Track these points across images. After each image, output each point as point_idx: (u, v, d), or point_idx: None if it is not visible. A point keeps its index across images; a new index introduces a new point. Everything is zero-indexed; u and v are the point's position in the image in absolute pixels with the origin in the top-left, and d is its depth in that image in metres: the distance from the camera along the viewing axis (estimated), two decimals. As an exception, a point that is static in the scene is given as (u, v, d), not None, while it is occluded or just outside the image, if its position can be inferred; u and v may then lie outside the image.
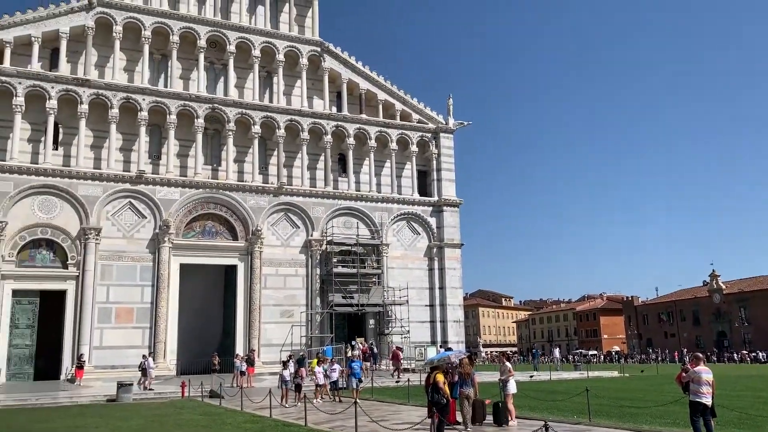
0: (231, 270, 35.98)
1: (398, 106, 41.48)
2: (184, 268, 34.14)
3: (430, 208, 41.19)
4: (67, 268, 31.38)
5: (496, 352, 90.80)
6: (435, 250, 40.65)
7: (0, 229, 29.93)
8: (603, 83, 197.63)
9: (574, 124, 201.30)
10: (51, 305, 31.29)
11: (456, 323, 40.03)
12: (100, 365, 30.60)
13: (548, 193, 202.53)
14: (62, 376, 30.25)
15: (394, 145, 40.54)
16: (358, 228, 38.44)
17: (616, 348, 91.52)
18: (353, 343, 34.28)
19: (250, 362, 28.49)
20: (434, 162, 42.08)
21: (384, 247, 38.75)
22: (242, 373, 27.24)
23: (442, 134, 42.33)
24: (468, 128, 43.93)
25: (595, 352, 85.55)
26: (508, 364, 14.88)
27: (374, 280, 38.13)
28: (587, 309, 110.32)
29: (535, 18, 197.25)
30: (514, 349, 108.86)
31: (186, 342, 33.88)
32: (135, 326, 31.97)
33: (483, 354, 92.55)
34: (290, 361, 24.04)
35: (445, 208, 41.17)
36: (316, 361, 22.74)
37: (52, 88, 32.19)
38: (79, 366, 28.14)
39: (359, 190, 39.60)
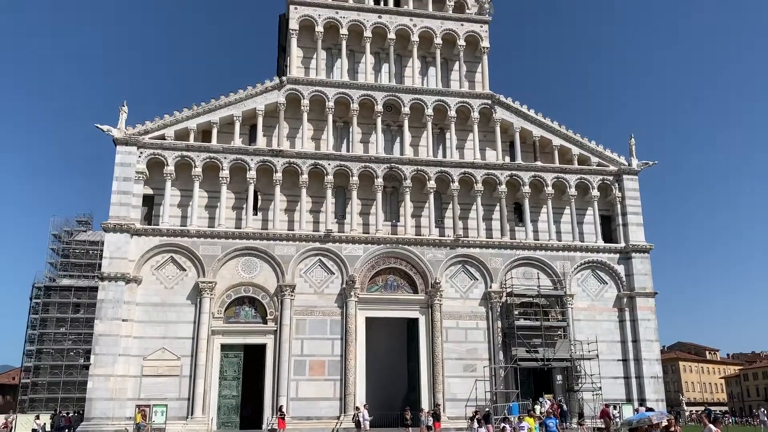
0: (413, 323, 36.62)
1: (575, 150, 40.22)
2: (369, 321, 35.46)
3: (617, 255, 38.85)
4: (266, 323, 34.09)
5: (702, 411, 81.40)
6: (625, 300, 38.06)
7: (210, 288, 33.49)
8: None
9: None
10: (253, 358, 34.00)
11: (654, 379, 36.78)
12: (296, 416, 32.41)
13: (752, 231, 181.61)
14: (264, 426, 32.46)
15: (572, 191, 39.18)
16: (538, 278, 37.32)
17: None
18: (541, 399, 32.85)
19: (436, 417, 28.48)
20: (618, 206, 39.87)
21: (568, 298, 37.10)
22: (428, 428, 27.28)
23: (625, 176, 40.12)
24: (654, 168, 41.28)
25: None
26: (712, 427, 13.21)
27: (559, 332, 36.51)
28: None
29: (714, 50, 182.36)
30: (724, 408, 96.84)
31: (373, 395, 34.78)
32: (326, 378, 33.58)
33: (687, 413, 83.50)
34: (477, 416, 23.61)
35: (633, 254, 38.58)
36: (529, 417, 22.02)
37: (252, 160, 35.89)
38: (281, 416, 30.06)
39: (538, 239, 38.63)
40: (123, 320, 32.08)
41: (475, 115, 39.51)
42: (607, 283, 38.49)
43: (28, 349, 71.28)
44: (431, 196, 37.69)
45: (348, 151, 37.97)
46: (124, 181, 34.16)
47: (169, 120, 35.62)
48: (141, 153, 34.82)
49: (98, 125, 34.72)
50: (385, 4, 41.41)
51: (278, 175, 35.95)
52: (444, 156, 39.09)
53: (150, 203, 35.34)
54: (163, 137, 35.40)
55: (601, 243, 38.96)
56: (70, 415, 39.67)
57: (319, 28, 39.26)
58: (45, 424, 37.55)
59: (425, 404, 33.42)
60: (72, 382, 68.56)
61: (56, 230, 74.66)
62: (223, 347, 33.62)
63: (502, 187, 38.32)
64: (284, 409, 31.29)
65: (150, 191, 35.27)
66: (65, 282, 72.35)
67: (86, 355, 64.86)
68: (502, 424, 24.23)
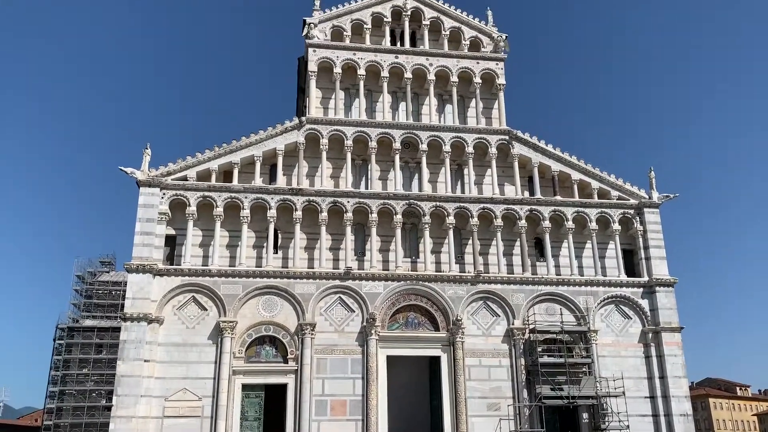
0: (434, 361, 36.21)
1: (594, 184, 40.09)
2: (390, 359, 35.14)
3: (641, 290, 38.29)
4: (287, 363, 33.93)
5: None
6: (650, 335, 37.35)
7: (231, 328, 33.54)
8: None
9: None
10: (274, 398, 33.75)
11: (683, 417, 35.78)
12: (318, 457, 31.97)
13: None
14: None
15: (593, 225, 38.92)
16: (561, 314, 36.84)
17: None
18: (567, 438, 32.09)
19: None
20: (640, 239, 39.47)
21: (592, 334, 36.51)
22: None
23: (646, 209, 39.82)
24: (676, 201, 40.92)
25: None
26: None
27: (584, 369, 35.81)
28: None
29: (731, 75, 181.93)
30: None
31: (395, 435, 34.28)
32: (348, 419, 33.18)
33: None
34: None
35: (657, 288, 38.00)
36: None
37: (272, 198, 36.28)
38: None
39: (559, 274, 38.28)
40: (145, 361, 32.16)
41: (493, 150, 39.69)
42: (631, 318, 37.88)
43: (51, 391, 71.59)
44: (451, 232, 37.66)
45: (367, 188, 38.25)
46: (147, 221, 34.67)
47: (192, 161, 36.27)
48: (164, 194, 35.40)
49: (122, 168, 35.44)
50: (402, 44, 42.21)
51: (298, 214, 36.25)
52: (462, 192, 39.18)
53: (172, 243, 35.75)
54: (185, 178, 36.00)
55: (624, 277, 38.49)
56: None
57: (338, 70, 40.02)
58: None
59: (449, 444, 32.85)
60: (94, 423, 68.56)
61: (80, 271, 75.68)
62: (244, 387, 33.45)
63: (522, 222, 38.21)
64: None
65: (172, 231, 35.71)
66: (88, 323, 72.94)
67: (108, 396, 64.90)
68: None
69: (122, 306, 38.61)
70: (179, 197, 35.54)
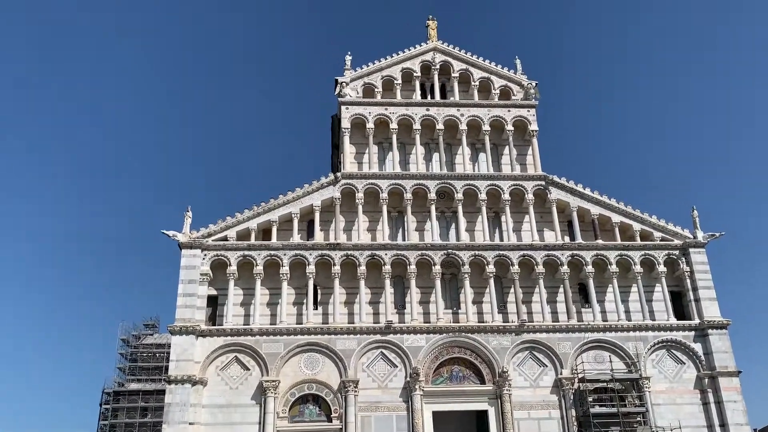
0: (482, 415, 35.19)
1: (636, 226, 39.31)
2: (436, 415, 34.28)
3: (692, 333, 36.89)
4: (331, 422, 33.38)
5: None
6: (706, 380, 35.75)
7: (274, 387, 33.30)
8: None
9: None
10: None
11: (750, 468, 33.78)
12: None
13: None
14: None
15: (638, 268, 37.96)
16: (611, 361, 35.62)
17: None
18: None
19: None
20: (688, 281, 38.28)
21: (644, 381, 35.11)
22: None
23: (691, 250, 38.75)
24: (723, 239, 39.65)
25: None
26: None
27: (638, 419, 34.31)
28: None
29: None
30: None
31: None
32: (395, 478, 32.25)
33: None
34: None
35: (709, 331, 36.57)
36: None
37: (310, 254, 36.49)
38: None
39: (606, 320, 37.22)
40: (190, 423, 32.03)
41: (530, 197, 39.44)
42: (684, 363, 36.39)
43: (98, 456, 71.53)
44: (491, 281, 37.16)
45: (404, 240, 38.22)
46: (189, 283, 35.14)
47: (231, 221, 36.91)
48: (205, 255, 35.95)
49: (164, 231, 36.24)
50: (432, 97, 42.82)
51: (336, 269, 36.31)
52: (501, 239, 38.82)
53: (214, 303, 36.09)
54: (225, 238, 36.57)
55: (673, 321, 37.20)
56: None
57: (370, 125, 40.71)
58: None
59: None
60: (141, 488, 68.03)
61: (125, 335, 76.58)
62: (289, 448, 32.96)
63: (564, 268, 37.52)
64: None
65: (214, 292, 36.10)
66: (133, 386, 73.36)
67: (153, 460, 64.59)
68: None
69: (166, 368, 38.78)
70: (220, 257, 36.05)
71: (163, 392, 35.43)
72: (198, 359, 33.57)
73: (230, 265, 35.89)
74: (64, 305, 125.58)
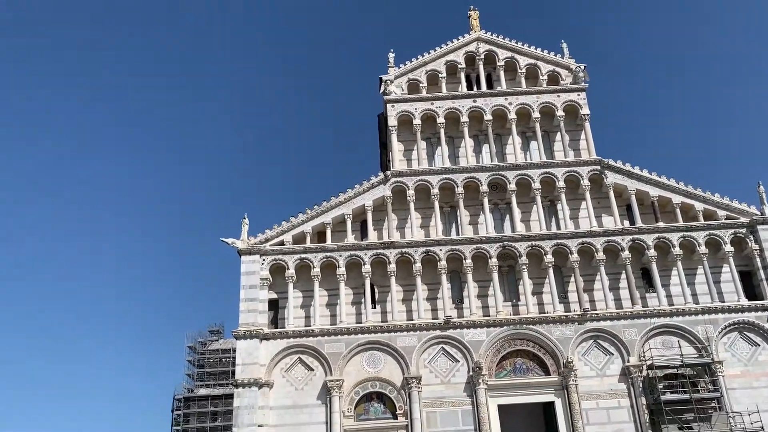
0: (548, 407, 34.69)
1: (698, 205, 37.96)
2: (501, 408, 33.99)
3: (766, 313, 35.38)
4: (396, 419, 33.52)
5: None
6: (785, 362, 34.24)
7: (338, 386, 33.69)
8: None
9: None
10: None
11: (838, 452, 32.15)
12: None
13: None
14: None
15: (703, 249, 36.65)
16: (680, 346, 34.51)
17: None
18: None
19: None
20: (758, 259, 36.72)
21: (717, 366, 33.88)
22: None
23: (759, 227, 37.14)
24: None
25: None
26: None
27: (713, 405, 33.16)
28: None
29: None
30: None
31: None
32: (464, 473, 32.14)
33: None
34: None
35: (784, 310, 35.03)
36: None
37: (365, 254, 36.72)
38: None
39: (672, 304, 36.08)
40: (259, 426, 32.72)
41: (585, 182, 38.59)
42: (759, 345, 34.93)
43: (173, 460, 73.91)
44: (550, 271, 36.55)
45: (458, 234, 38.01)
46: (250, 288, 35.91)
47: (287, 226, 37.50)
48: (263, 260, 36.66)
49: (223, 239, 37.12)
50: (478, 87, 42.41)
51: (392, 267, 36.42)
52: (558, 228, 38.13)
53: (275, 307, 36.77)
54: (282, 243, 37.19)
55: (744, 301, 35.75)
56: None
57: (417, 121, 40.64)
58: None
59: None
60: (215, 490, 70.00)
61: (191, 342, 78.93)
62: (356, 446, 33.26)
63: (626, 254, 36.56)
64: None
65: (274, 295, 36.77)
66: (202, 392, 75.51)
67: (226, 462, 66.32)
68: None
69: (233, 373, 39.76)
70: (278, 261, 36.68)
71: (231, 396, 36.38)
72: (263, 362, 34.27)
73: (288, 268, 36.49)
74: (131, 317, 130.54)
